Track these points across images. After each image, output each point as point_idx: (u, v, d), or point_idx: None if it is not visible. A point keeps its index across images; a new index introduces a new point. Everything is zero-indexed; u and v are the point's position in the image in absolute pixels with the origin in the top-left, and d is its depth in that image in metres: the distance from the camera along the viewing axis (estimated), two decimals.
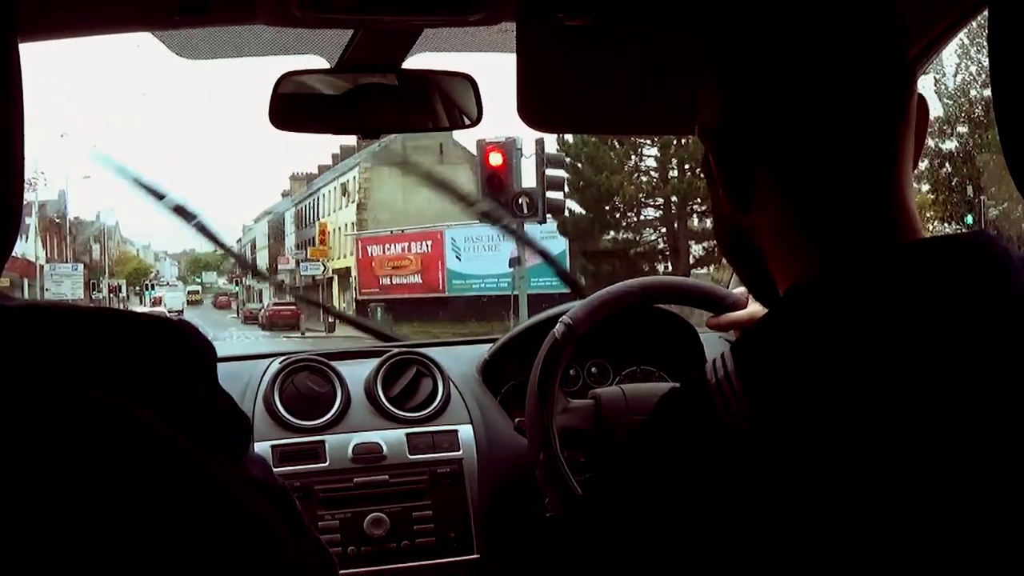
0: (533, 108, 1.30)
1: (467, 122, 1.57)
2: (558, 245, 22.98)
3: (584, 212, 22.96)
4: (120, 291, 44.14)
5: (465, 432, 1.80)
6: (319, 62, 1.52)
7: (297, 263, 44.14)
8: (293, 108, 1.51)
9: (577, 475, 1.54)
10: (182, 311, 52.70)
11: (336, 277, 38.34)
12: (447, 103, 1.56)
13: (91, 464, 0.45)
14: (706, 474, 0.71)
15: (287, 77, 1.48)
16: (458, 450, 1.78)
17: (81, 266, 35.75)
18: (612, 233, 23.31)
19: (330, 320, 30.62)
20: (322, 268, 39.98)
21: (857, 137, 0.76)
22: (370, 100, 1.54)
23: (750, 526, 0.68)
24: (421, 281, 29.27)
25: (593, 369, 1.88)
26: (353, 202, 36.96)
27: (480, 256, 27.35)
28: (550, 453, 1.52)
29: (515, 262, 17.72)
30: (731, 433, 0.70)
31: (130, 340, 0.52)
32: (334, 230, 39.49)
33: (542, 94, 1.32)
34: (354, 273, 34.00)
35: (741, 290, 1.63)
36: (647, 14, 1.28)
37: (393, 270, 30.85)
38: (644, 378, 1.90)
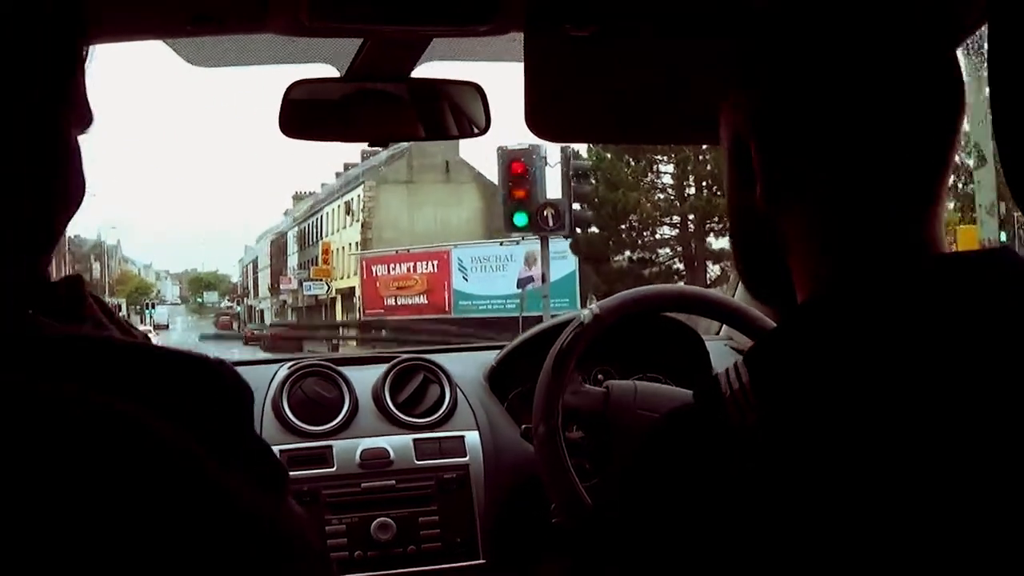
0: (541, 118, 1.31)
1: (475, 131, 1.58)
2: (567, 266, 22.61)
3: (598, 231, 22.16)
4: (120, 310, 44.03)
5: (472, 438, 1.81)
6: (328, 71, 1.53)
7: (300, 283, 44.06)
8: (302, 115, 1.52)
9: (584, 482, 1.55)
10: (167, 326, 53.47)
11: (339, 297, 38.26)
12: (456, 112, 1.58)
13: (104, 474, 0.45)
14: (719, 489, 0.69)
15: (297, 84, 1.49)
16: (465, 456, 1.79)
17: None
18: (627, 252, 22.65)
19: (334, 343, 30.47)
20: (325, 288, 39.90)
21: (906, 145, 0.74)
22: (379, 108, 1.55)
23: (764, 541, 0.66)
24: (427, 301, 28.90)
25: (600, 376, 1.89)
26: (357, 221, 36.92)
27: (488, 276, 26.87)
28: (550, 428, 1.53)
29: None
30: (745, 447, 0.68)
31: (167, 376, 0.51)
32: (338, 249, 39.41)
33: (550, 104, 1.33)
34: (358, 293, 33.85)
35: None
36: (654, 24, 1.30)
37: (398, 290, 30.58)
38: None
